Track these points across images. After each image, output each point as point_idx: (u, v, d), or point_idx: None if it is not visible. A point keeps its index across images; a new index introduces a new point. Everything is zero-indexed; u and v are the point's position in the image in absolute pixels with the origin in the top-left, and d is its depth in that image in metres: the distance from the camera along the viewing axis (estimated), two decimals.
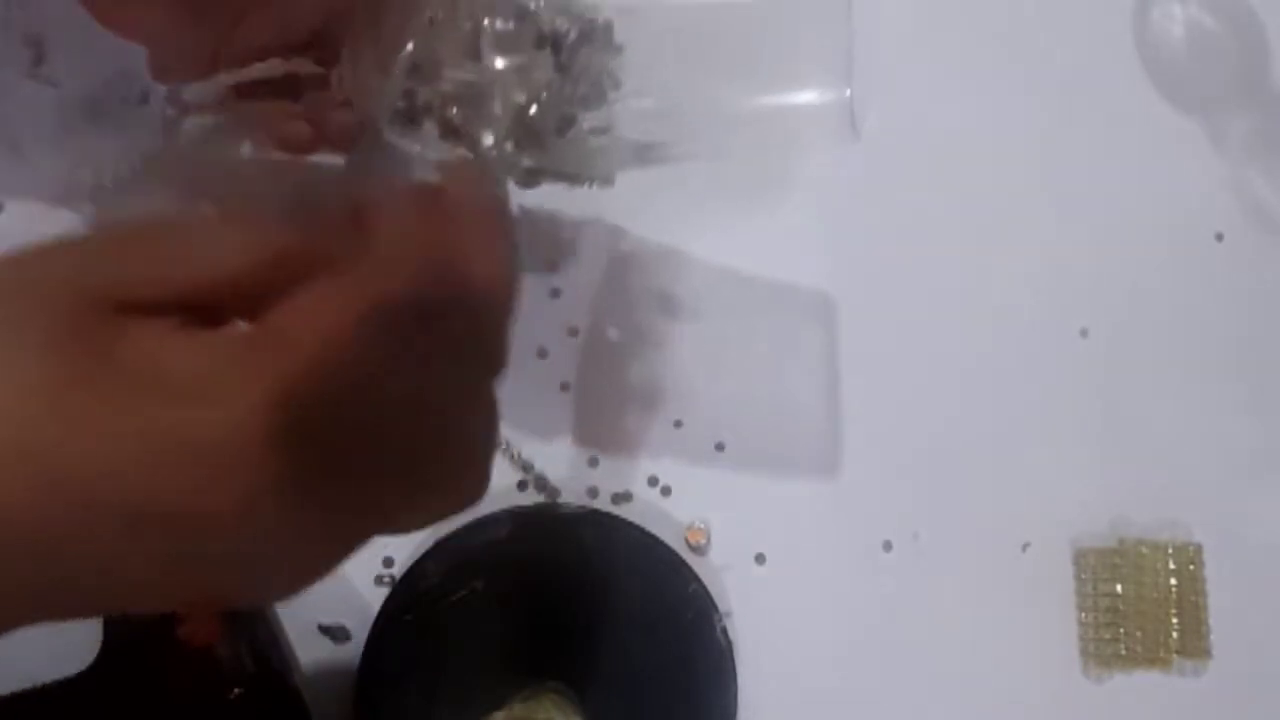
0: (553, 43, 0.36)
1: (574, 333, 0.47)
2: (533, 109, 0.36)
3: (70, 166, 0.43)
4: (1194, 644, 0.48)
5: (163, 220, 0.26)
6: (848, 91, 0.36)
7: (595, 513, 0.45)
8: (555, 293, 0.47)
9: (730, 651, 0.45)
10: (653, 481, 0.47)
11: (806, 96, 0.38)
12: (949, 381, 0.50)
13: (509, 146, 0.37)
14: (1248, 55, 0.56)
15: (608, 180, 0.39)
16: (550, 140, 0.37)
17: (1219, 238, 0.54)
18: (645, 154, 0.39)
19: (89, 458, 0.23)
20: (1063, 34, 0.54)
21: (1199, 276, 0.53)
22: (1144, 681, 0.48)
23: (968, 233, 0.51)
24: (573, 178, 0.39)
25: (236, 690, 0.38)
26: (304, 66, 0.40)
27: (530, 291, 0.47)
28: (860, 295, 0.50)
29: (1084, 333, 0.52)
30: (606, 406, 0.47)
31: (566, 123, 0.37)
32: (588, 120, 0.37)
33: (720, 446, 0.48)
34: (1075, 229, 0.52)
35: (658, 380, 0.48)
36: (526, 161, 0.37)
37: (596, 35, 0.37)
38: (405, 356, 0.25)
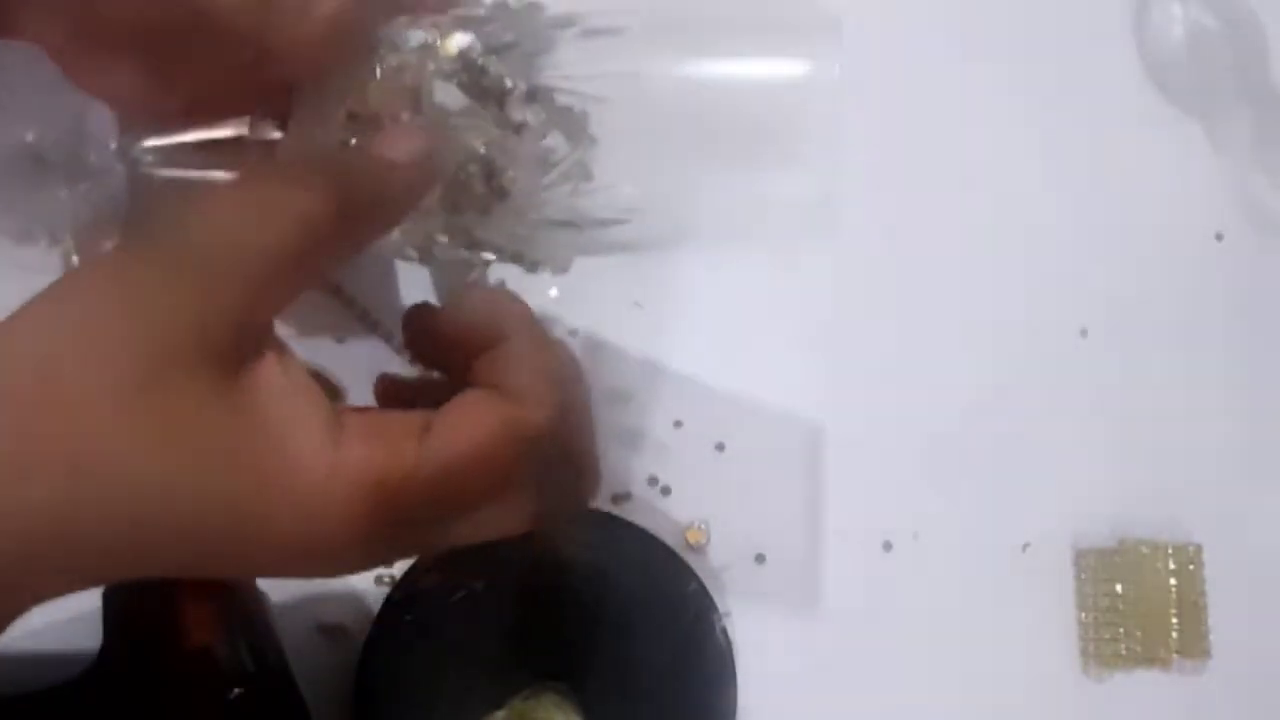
0: (497, 99, 0.35)
1: (574, 333, 0.47)
2: (470, 167, 0.35)
3: (22, 224, 0.42)
4: (1194, 644, 0.48)
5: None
6: (827, 191, 0.36)
7: (595, 513, 0.45)
8: (555, 293, 0.47)
9: (730, 651, 0.45)
10: (652, 481, 0.47)
11: (788, 188, 0.37)
12: (949, 381, 0.50)
13: (442, 209, 0.35)
14: (1248, 55, 0.56)
15: (562, 268, 0.38)
16: (493, 206, 0.35)
17: (1219, 238, 0.54)
18: (609, 239, 0.38)
19: (211, 492, 0.25)
20: (1063, 34, 0.54)
21: (1199, 276, 0.53)
22: (1144, 681, 0.48)
23: (967, 233, 0.51)
24: (518, 257, 0.37)
25: (236, 690, 0.38)
26: (265, 129, 0.38)
27: (530, 291, 0.47)
28: (860, 295, 0.50)
29: (1084, 333, 0.52)
30: (607, 407, 0.47)
31: (503, 190, 0.35)
32: (552, 210, 0.36)
33: (720, 446, 0.48)
34: (1075, 229, 0.52)
35: (658, 380, 0.48)
36: (471, 229, 0.36)
37: (571, 121, 0.35)
38: (522, 475, 0.29)
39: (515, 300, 0.32)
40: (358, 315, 0.45)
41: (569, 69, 0.36)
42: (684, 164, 0.38)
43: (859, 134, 0.51)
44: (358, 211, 0.28)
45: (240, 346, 0.26)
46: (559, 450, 0.30)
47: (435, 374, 0.34)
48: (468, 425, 0.28)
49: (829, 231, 0.36)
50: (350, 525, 0.26)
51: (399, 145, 0.30)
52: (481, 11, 0.36)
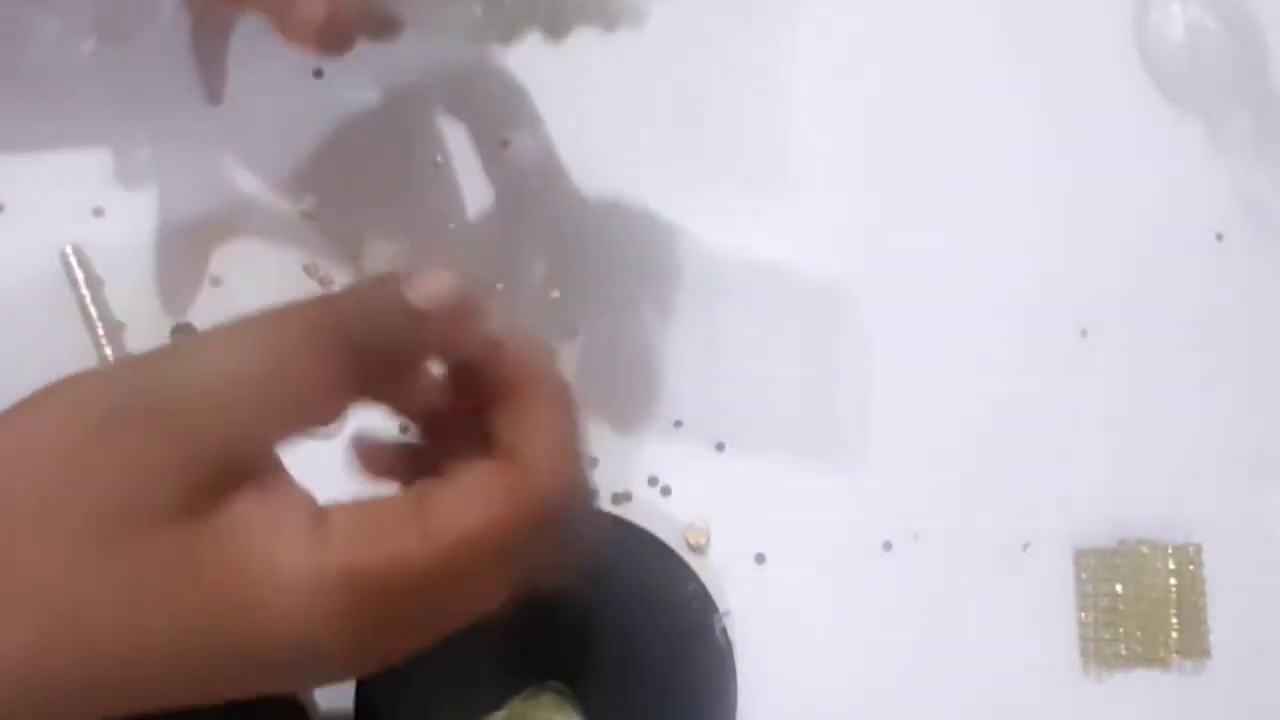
0: None
1: (574, 332, 0.47)
2: None
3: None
4: (1194, 644, 0.48)
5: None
6: None
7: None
8: (555, 293, 0.47)
9: (730, 651, 0.45)
10: (653, 481, 0.47)
11: None
12: (949, 381, 0.50)
13: None
14: (1248, 55, 0.56)
15: (638, 20, 0.36)
16: None
17: (1219, 238, 0.54)
18: None
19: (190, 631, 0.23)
20: (1063, 34, 0.54)
21: (1199, 276, 0.53)
22: (1144, 681, 0.48)
23: (967, 232, 0.51)
24: (597, 15, 0.35)
25: None
26: None
27: (530, 291, 0.47)
28: (860, 296, 0.50)
29: (1084, 333, 0.52)
30: (606, 406, 0.47)
31: None
32: None
33: (720, 446, 0.48)
34: (1075, 229, 0.52)
35: (658, 380, 0.48)
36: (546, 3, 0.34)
37: None
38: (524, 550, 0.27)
39: (547, 352, 0.30)
40: None
41: None
42: None
43: (859, 136, 0.51)
44: (371, 362, 0.26)
45: (215, 486, 0.24)
46: (562, 523, 0.28)
47: (413, 436, 0.32)
48: (478, 502, 0.25)
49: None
50: (339, 624, 0.24)
51: (428, 290, 0.27)
52: None
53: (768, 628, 0.46)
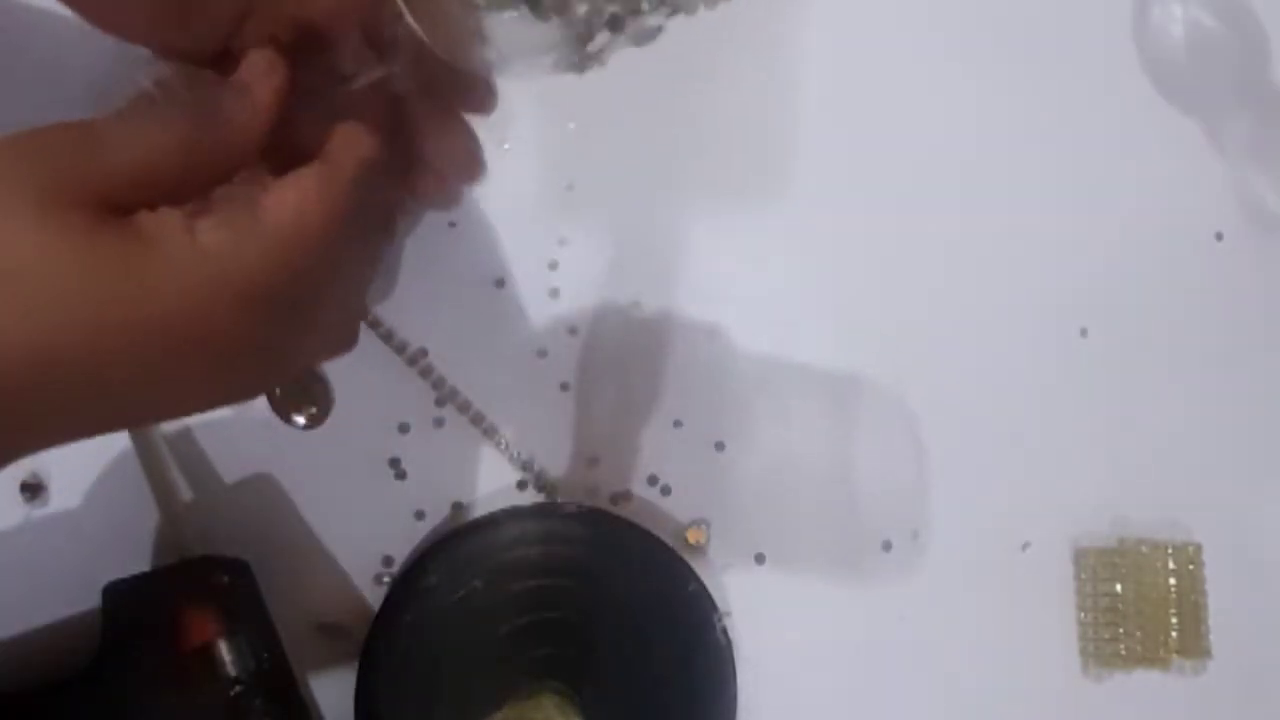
0: None
1: (574, 332, 0.47)
2: None
3: None
4: (1194, 644, 0.48)
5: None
6: None
7: (595, 512, 0.45)
8: (555, 293, 0.47)
9: (730, 651, 0.45)
10: (652, 481, 0.47)
11: None
12: (949, 381, 0.50)
13: None
14: (1248, 55, 0.56)
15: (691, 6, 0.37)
16: None
17: (1219, 238, 0.54)
18: None
19: (121, 295, 0.28)
20: (1063, 34, 0.54)
21: (1199, 276, 0.53)
22: (1144, 681, 0.48)
23: (967, 232, 0.51)
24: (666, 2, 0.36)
25: (236, 690, 0.38)
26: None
27: (530, 291, 0.47)
28: (859, 295, 0.50)
29: (1084, 333, 0.52)
30: (606, 406, 0.47)
31: None
32: None
33: (720, 446, 0.48)
34: (1075, 229, 0.52)
35: (658, 380, 0.48)
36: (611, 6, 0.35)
37: None
38: (354, 234, 0.33)
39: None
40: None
41: None
42: None
43: (858, 136, 0.51)
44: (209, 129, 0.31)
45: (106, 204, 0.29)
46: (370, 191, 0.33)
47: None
48: (293, 190, 0.31)
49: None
50: (212, 283, 0.29)
51: (256, 71, 0.33)
52: None
53: (768, 628, 0.46)
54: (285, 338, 0.32)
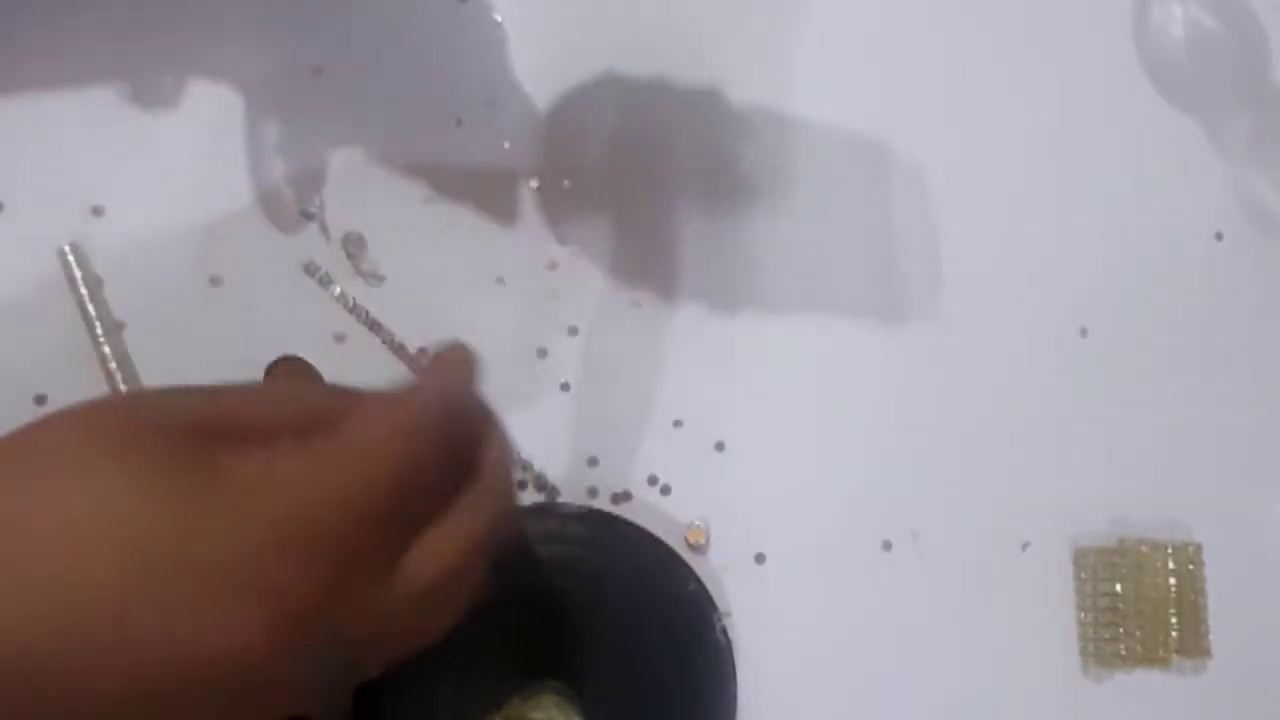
0: None
1: (574, 332, 0.47)
2: None
3: None
4: (1193, 643, 0.48)
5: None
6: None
7: (595, 512, 0.45)
8: (555, 293, 0.47)
9: (730, 651, 0.45)
10: (652, 481, 0.47)
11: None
12: (948, 381, 0.50)
13: None
14: (1248, 55, 0.56)
15: None
16: None
17: (1219, 238, 0.54)
18: None
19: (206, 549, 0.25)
20: (1063, 34, 0.54)
21: (1199, 276, 0.53)
22: (1144, 681, 0.48)
23: (967, 232, 0.51)
24: None
25: None
26: None
27: (530, 291, 0.47)
28: (858, 294, 0.50)
29: (1084, 333, 0.52)
30: (606, 406, 0.47)
31: None
32: None
33: (720, 446, 0.48)
34: (1075, 229, 0.52)
35: (658, 380, 0.48)
36: None
37: None
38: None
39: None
40: (359, 317, 0.45)
41: None
42: None
43: (858, 137, 0.51)
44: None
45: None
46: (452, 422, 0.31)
47: None
48: (372, 417, 0.28)
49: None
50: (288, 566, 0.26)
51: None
52: None
53: (768, 628, 0.46)
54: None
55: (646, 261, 0.48)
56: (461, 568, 0.29)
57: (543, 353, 0.47)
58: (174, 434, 0.27)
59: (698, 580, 0.45)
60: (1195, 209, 0.54)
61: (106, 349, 0.42)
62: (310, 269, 0.45)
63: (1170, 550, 0.49)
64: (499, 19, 0.48)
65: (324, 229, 0.46)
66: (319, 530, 0.26)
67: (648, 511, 0.46)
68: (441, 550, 0.29)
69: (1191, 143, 0.54)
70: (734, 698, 0.45)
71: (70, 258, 0.43)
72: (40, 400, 0.41)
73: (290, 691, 0.28)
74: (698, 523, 0.47)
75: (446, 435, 0.30)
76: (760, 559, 0.47)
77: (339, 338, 0.45)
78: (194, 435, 0.27)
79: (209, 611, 0.25)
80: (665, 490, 0.47)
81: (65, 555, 0.25)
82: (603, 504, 0.46)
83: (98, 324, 0.43)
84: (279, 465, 0.27)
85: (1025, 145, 0.52)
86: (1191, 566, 0.49)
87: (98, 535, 0.25)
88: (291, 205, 0.46)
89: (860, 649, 0.47)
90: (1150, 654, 0.48)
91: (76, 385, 0.41)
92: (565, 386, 0.47)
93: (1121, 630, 0.48)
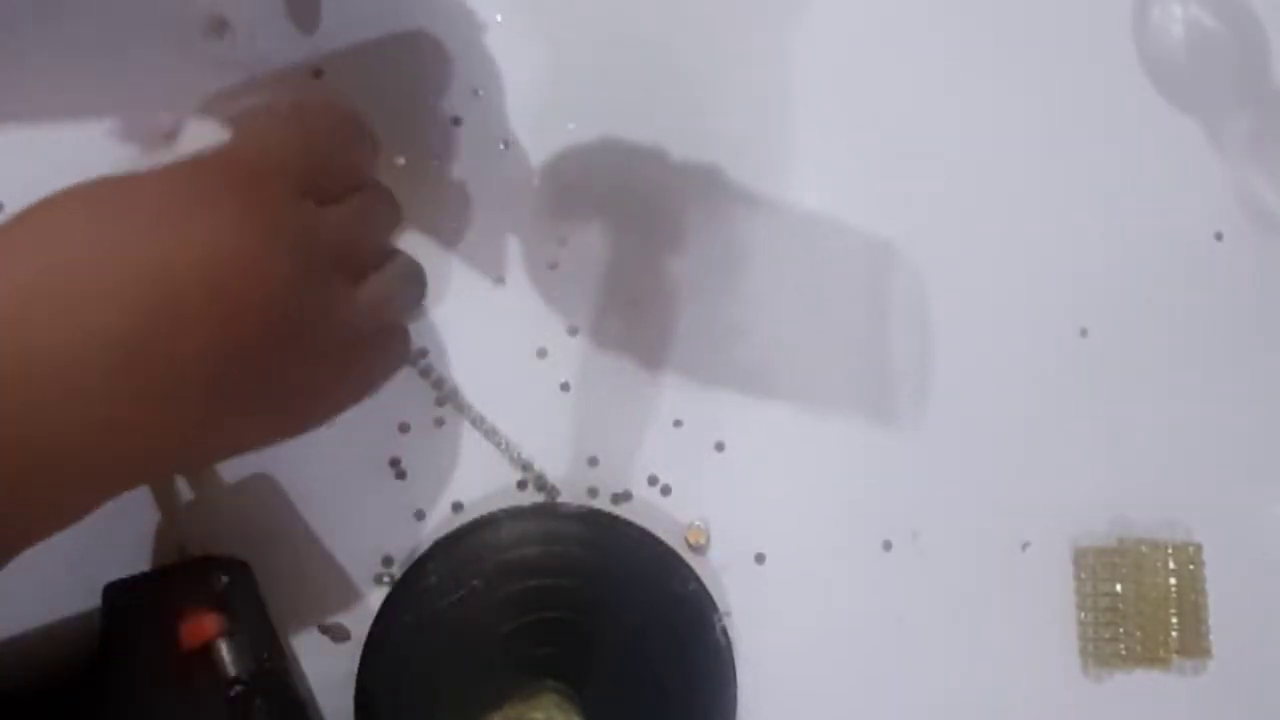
0: None
1: (574, 332, 0.47)
2: None
3: None
4: (1194, 643, 0.48)
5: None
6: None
7: (595, 512, 0.45)
8: (555, 293, 0.47)
9: (730, 651, 0.45)
10: (653, 481, 0.47)
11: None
12: (948, 381, 0.50)
13: None
14: (1248, 55, 0.56)
15: None
16: None
17: (1219, 238, 0.54)
18: None
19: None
20: (1062, 33, 0.54)
21: (1199, 276, 0.53)
22: (1144, 681, 0.48)
23: (966, 232, 0.51)
24: None
25: (237, 689, 0.38)
26: None
27: (530, 291, 0.47)
28: (858, 294, 0.50)
29: (1084, 333, 0.52)
30: (606, 406, 0.47)
31: None
32: None
33: (720, 446, 0.48)
34: (1075, 229, 0.52)
35: (658, 380, 0.48)
36: None
37: None
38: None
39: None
40: None
41: None
42: None
43: (858, 138, 0.51)
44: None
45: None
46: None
47: None
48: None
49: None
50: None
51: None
52: None
53: (768, 628, 0.46)
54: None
55: (646, 261, 0.48)
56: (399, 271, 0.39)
57: (543, 353, 0.47)
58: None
59: (698, 580, 0.45)
60: (1195, 209, 0.54)
61: None
62: None
63: (1170, 550, 0.49)
64: (499, 19, 0.48)
65: None
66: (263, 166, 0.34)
67: (648, 511, 0.46)
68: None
69: (1191, 143, 0.54)
70: (734, 698, 0.45)
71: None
72: None
73: (298, 295, 0.33)
74: (698, 523, 0.47)
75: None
76: (760, 559, 0.47)
77: None
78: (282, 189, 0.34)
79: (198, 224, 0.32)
80: (665, 490, 0.47)
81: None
82: (603, 504, 0.46)
83: None
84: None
85: (1025, 145, 0.52)
86: (1191, 566, 0.49)
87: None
88: None
89: (860, 649, 0.47)
90: (1150, 654, 0.48)
91: None
92: (565, 386, 0.47)
93: (1121, 630, 0.48)
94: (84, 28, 0.45)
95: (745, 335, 0.49)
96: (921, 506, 0.49)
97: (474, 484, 0.45)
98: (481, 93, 0.48)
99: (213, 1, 0.46)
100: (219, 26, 0.46)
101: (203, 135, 0.35)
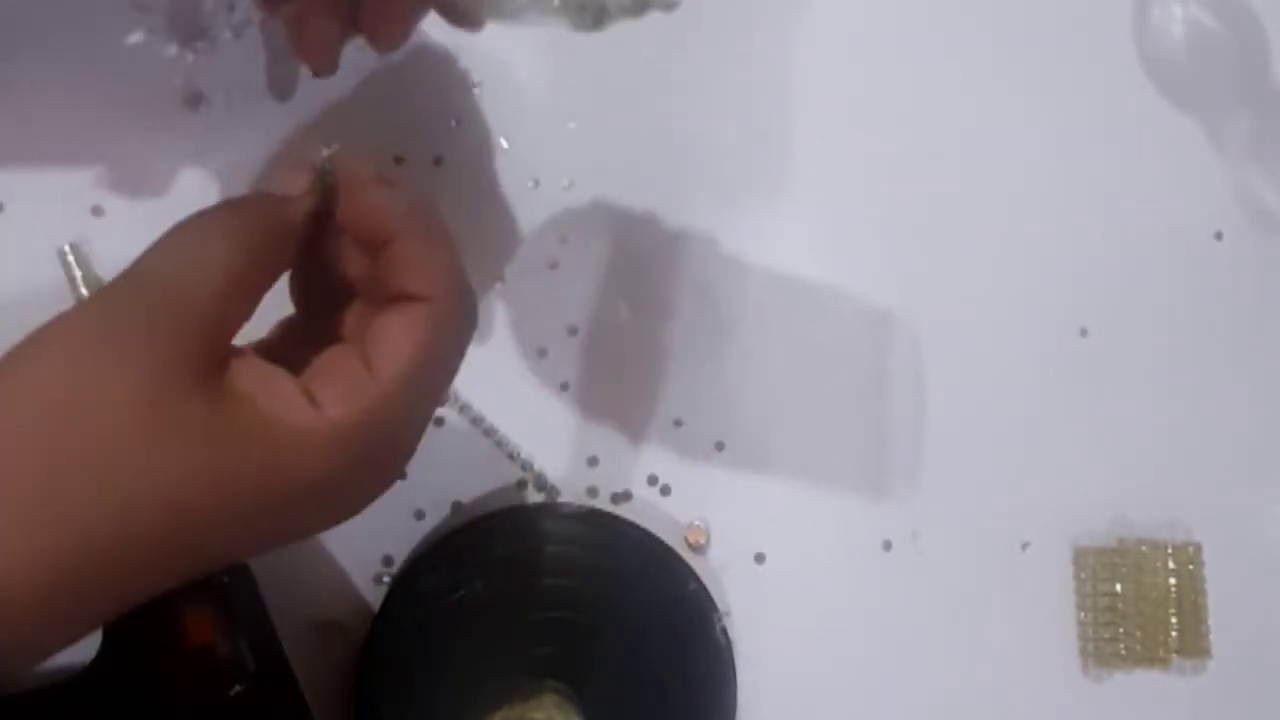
0: None
1: (574, 332, 0.47)
2: None
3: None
4: (1194, 643, 0.48)
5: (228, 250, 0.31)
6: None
7: (595, 512, 0.45)
8: (555, 293, 0.47)
9: (730, 651, 0.45)
10: (652, 481, 0.47)
11: None
12: (948, 380, 0.50)
13: None
14: (1248, 55, 0.56)
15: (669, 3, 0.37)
16: None
17: (1219, 237, 0.54)
18: None
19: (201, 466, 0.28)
20: (1063, 34, 0.54)
21: (1199, 276, 0.53)
22: (1143, 681, 0.48)
23: (967, 233, 0.51)
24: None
25: (236, 689, 0.38)
26: None
27: (530, 291, 0.47)
28: (859, 294, 0.50)
29: (1084, 333, 0.52)
30: (606, 406, 0.47)
31: None
32: None
33: (720, 446, 0.48)
34: (1075, 229, 0.52)
35: (658, 380, 0.48)
36: None
37: None
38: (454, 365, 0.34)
39: (401, 195, 0.34)
40: None
41: None
42: None
43: (859, 138, 0.51)
44: (273, 239, 0.32)
45: (215, 354, 0.30)
46: (469, 326, 0.34)
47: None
48: (404, 338, 0.31)
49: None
50: (339, 452, 0.30)
51: (287, 182, 0.34)
52: None
53: (768, 628, 0.46)
54: (388, 471, 0.33)
55: (647, 261, 0.48)
56: (426, 352, 0.32)
57: (543, 353, 0.47)
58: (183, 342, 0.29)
59: (698, 580, 0.45)
60: (1195, 209, 0.54)
61: None
62: None
63: (1170, 550, 0.49)
64: None
65: None
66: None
67: (648, 511, 0.46)
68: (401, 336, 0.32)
69: (1191, 143, 0.54)
70: (734, 698, 0.45)
71: (70, 258, 0.43)
72: None
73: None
74: (698, 523, 0.47)
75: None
76: (760, 559, 0.47)
77: None
78: (205, 362, 0.29)
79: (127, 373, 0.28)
80: (665, 490, 0.47)
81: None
82: (603, 504, 0.46)
83: None
84: (332, 415, 0.30)
85: (1025, 145, 0.52)
86: (1191, 566, 0.49)
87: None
88: None
89: (860, 649, 0.47)
90: (1150, 654, 0.48)
91: None
92: (565, 386, 0.47)
93: (1121, 630, 0.48)
94: (53, 102, 0.45)
95: (746, 335, 0.49)
96: (921, 506, 0.49)
97: (474, 484, 0.45)
98: (481, 92, 0.48)
99: (188, 79, 0.45)
100: (195, 100, 0.45)
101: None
